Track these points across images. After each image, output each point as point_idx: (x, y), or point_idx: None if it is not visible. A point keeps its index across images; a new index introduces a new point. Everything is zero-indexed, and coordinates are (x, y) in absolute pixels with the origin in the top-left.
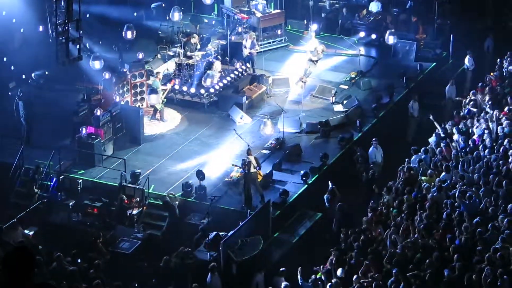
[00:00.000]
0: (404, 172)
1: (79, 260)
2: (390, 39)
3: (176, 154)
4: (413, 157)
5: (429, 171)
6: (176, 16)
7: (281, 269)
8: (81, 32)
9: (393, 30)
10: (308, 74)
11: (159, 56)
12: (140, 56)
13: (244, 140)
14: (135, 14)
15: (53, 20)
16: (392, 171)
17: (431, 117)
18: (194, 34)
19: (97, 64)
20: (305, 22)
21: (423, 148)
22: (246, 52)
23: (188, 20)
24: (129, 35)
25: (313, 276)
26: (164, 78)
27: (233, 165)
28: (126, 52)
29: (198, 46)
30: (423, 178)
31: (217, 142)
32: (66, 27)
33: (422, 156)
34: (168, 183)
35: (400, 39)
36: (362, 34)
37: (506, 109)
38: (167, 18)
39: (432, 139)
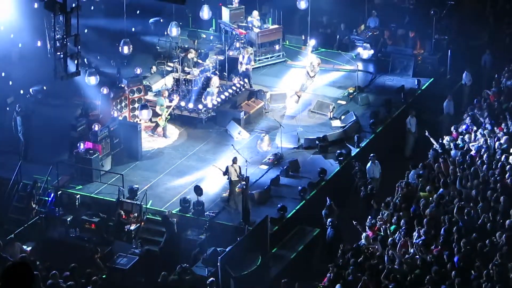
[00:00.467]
0: (402, 187)
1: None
2: (364, 54)
3: (174, 169)
4: (411, 173)
5: (427, 187)
6: (174, 31)
7: (282, 281)
8: (79, 47)
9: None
10: (305, 88)
11: (154, 68)
12: (138, 71)
13: (242, 156)
14: (133, 29)
15: (51, 35)
16: (390, 186)
17: (426, 133)
18: (192, 49)
19: (92, 80)
20: (303, 37)
21: (420, 164)
22: (242, 67)
23: (186, 35)
24: (125, 50)
25: None
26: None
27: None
28: (124, 67)
29: (196, 60)
30: (421, 193)
31: (215, 158)
32: (65, 42)
33: (420, 172)
34: (166, 199)
35: (397, 54)
36: (360, 49)
37: (502, 125)
38: (165, 33)
39: (430, 154)
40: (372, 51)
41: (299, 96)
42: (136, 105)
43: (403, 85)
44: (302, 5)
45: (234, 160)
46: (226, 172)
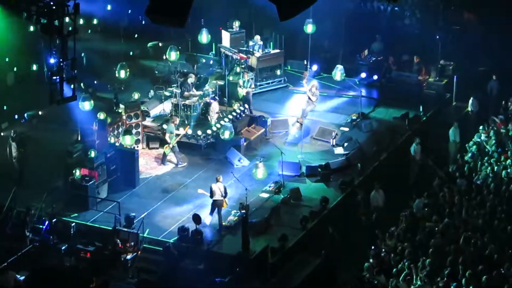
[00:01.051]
0: (406, 216)
1: None
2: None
3: (172, 197)
4: (416, 201)
5: (432, 217)
6: (173, 55)
7: None
8: (75, 71)
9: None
10: (306, 115)
11: (151, 93)
12: (136, 96)
13: (242, 184)
14: (131, 53)
15: (48, 59)
16: (394, 215)
17: (430, 163)
18: (191, 74)
19: (86, 105)
20: (305, 63)
21: (426, 193)
22: (242, 92)
23: (184, 59)
24: (122, 74)
25: None
26: (159, 119)
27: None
28: (121, 92)
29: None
30: (426, 223)
31: None
32: (61, 66)
33: (425, 201)
34: (164, 227)
35: (402, 80)
36: (363, 74)
37: (509, 153)
38: (164, 57)
39: (435, 183)
40: (376, 77)
41: (301, 124)
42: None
43: (407, 111)
44: (309, 29)
45: (218, 179)
46: (211, 193)
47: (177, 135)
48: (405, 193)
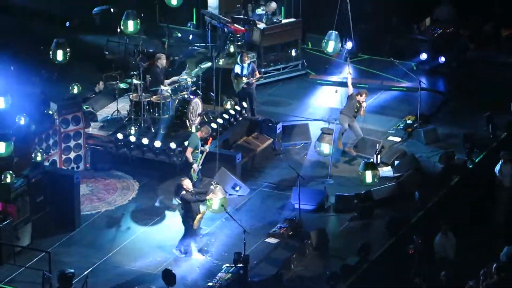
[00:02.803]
0: (491, 274)
1: None
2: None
3: (130, 243)
4: (505, 250)
5: None
6: (131, 25)
7: None
8: None
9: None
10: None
11: (100, 85)
12: (75, 90)
13: (238, 223)
14: (68, 23)
15: None
16: (471, 270)
17: None
18: (161, 55)
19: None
20: None
21: None
22: (240, 84)
23: (149, 33)
24: (59, 56)
25: None
26: (112, 123)
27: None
28: (52, 83)
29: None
30: None
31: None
32: None
33: None
34: None
35: (485, 62)
36: (424, 55)
37: None
38: (118, 30)
39: None
40: (444, 59)
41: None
42: (72, 143)
43: (492, 111)
44: None
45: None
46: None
47: (202, 152)
48: (489, 237)
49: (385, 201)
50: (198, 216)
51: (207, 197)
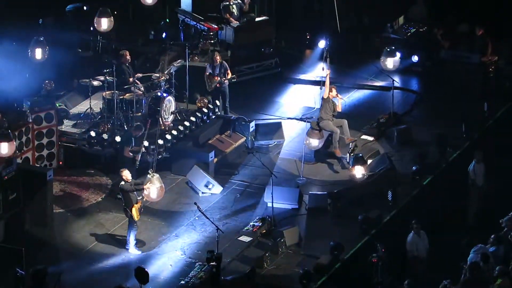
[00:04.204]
0: (465, 272)
1: None
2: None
3: (103, 241)
4: (474, 248)
5: (497, 268)
6: (104, 23)
7: None
8: None
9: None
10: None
11: (74, 83)
12: (48, 87)
13: (211, 221)
14: (41, 21)
15: None
16: (444, 270)
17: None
18: (124, 51)
19: None
20: (308, 36)
21: (492, 236)
22: (213, 83)
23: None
24: (38, 54)
25: None
26: (85, 121)
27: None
28: (25, 80)
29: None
30: (495, 283)
31: (168, 225)
32: None
33: (491, 249)
34: None
35: (458, 62)
36: (397, 54)
37: None
38: (91, 28)
39: (505, 218)
40: (417, 58)
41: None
42: (45, 140)
43: (465, 111)
44: None
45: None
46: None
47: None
48: (462, 237)
49: (358, 200)
50: (136, 206)
51: (144, 186)
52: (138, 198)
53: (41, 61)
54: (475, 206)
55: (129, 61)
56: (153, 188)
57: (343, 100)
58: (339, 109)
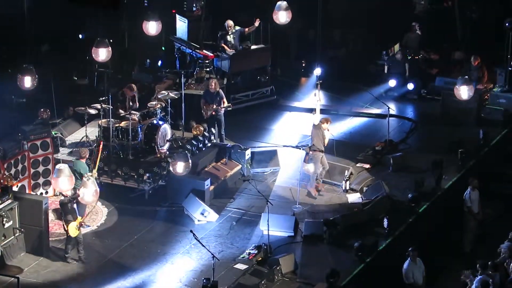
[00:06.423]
0: None
1: None
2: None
3: (102, 268)
4: (478, 278)
5: None
6: (102, 53)
7: None
8: None
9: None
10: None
11: (70, 111)
12: (44, 115)
13: (207, 249)
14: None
15: None
16: None
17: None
18: (131, 85)
19: None
20: (304, 63)
21: (489, 262)
22: (209, 111)
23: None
24: (27, 82)
25: None
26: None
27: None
28: (22, 109)
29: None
30: None
31: (164, 253)
32: None
33: (488, 277)
34: None
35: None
36: (392, 82)
37: None
38: (86, 57)
39: (504, 245)
40: (412, 85)
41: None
42: (41, 168)
43: (460, 138)
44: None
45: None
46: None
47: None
48: (460, 265)
49: (354, 227)
50: (74, 224)
51: (78, 191)
52: (79, 217)
53: (29, 89)
54: (471, 233)
55: (133, 94)
56: (87, 191)
57: (331, 135)
58: (325, 142)
